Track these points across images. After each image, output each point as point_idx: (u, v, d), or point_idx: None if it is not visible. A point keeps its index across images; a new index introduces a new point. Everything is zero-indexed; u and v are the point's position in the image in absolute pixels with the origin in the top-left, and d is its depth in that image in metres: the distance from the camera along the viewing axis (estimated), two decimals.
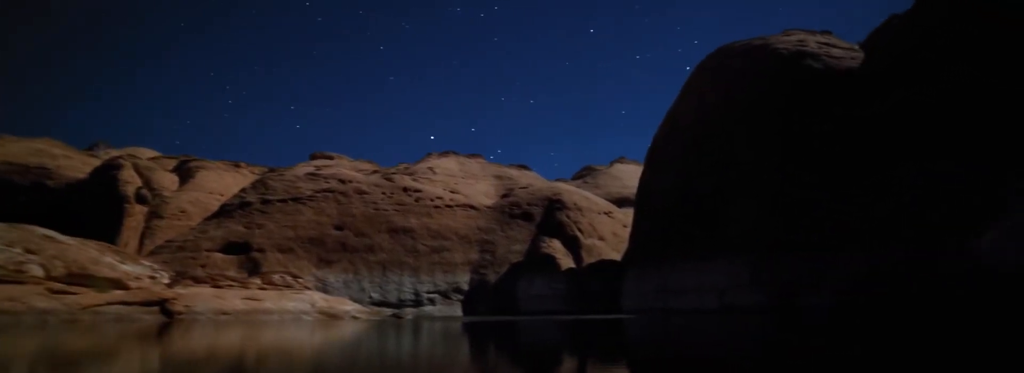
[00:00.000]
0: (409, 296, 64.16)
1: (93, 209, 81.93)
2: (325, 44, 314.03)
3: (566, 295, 65.32)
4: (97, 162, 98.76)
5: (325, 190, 66.64)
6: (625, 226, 78.76)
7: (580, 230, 70.95)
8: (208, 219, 65.40)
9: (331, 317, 45.68)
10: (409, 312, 63.95)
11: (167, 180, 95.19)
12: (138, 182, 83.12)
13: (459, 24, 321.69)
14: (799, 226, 41.22)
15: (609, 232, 74.64)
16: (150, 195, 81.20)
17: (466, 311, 65.94)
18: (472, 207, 72.14)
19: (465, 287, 66.89)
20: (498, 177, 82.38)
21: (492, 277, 67.49)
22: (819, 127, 42.50)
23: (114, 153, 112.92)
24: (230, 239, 60.84)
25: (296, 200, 65.04)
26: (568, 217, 71.77)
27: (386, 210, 67.41)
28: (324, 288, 60.96)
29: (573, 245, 69.24)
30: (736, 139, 50.66)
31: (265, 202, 64.36)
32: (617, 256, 71.91)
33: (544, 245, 68.06)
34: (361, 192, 68.02)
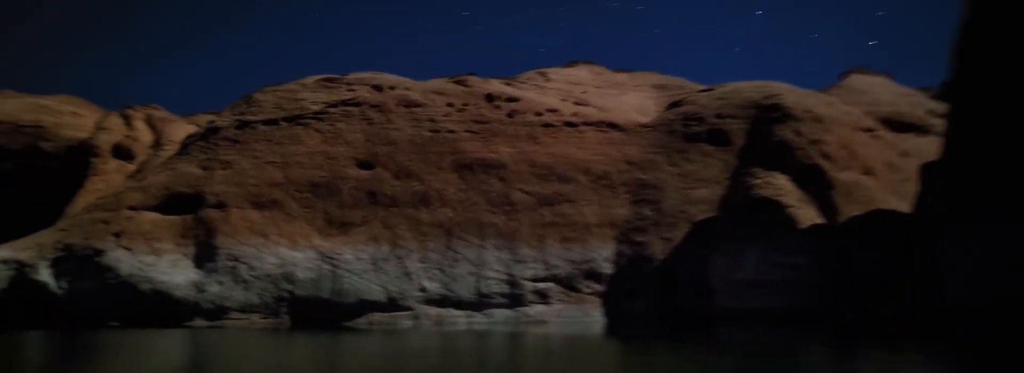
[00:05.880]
0: (498, 287, 37.36)
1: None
2: None
3: (812, 279, 35.62)
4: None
5: (345, 103, 41.36)
6: (907, 155, 46.67)
7: (825, 156, 40.47)
8: (166, 162, 42.39)
9: None
10: (499, 317, 37.18)
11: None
12: (124, 134, 63.56)
13: None
14: None
15: (880, 162, 43.57)
16: (141, 149, 61.13)
17: (611, 315, 38.06)
18: (614, 125, 43.92)
19: (606, 269, 38.98)
20: (660, 87, 53.50)
21: (658, 249, 39.04)
22: None
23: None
24: (174, 189, 37.20)
25: (293, 120, 40.44)
26: (798, 133, 41.53)
27: (453, 132, 40.99)
28: (333, 271, 35.47)
29: (815, 183, 39.34)
30: None
31: (243, 126, 40.37)
32: (902, 204, 40.52)
33: (757, 183, 38.60)
34: (409, 103, 42.17)
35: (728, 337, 27.70)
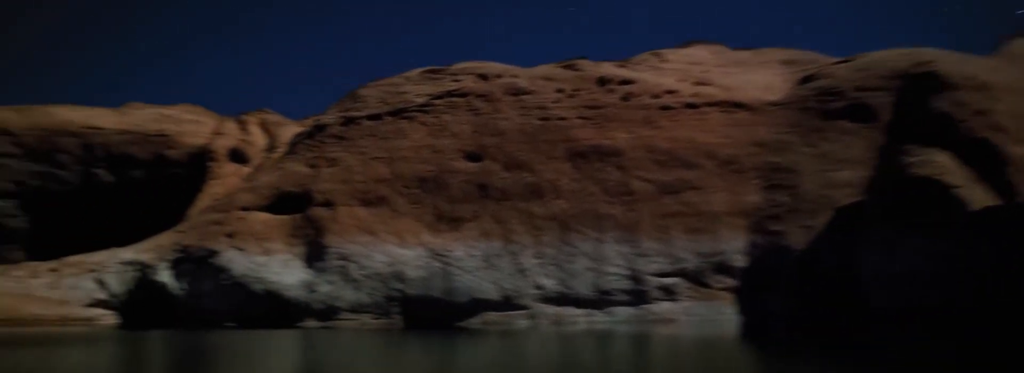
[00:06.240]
0: (619, 283, 34.86)
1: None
2: None
3: (986, 270, 31.04)
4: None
5: (450, 94, 40.01)
6: None
7: (995, 128, 35.49)
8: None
9: None
10: (622, 315, 34.63)
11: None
12: (239, 138, 65.33)
13: None
14: None
15: None
16: (255, 152, 62.56)
17: (746, 312, 34.67)
18: (739, 105, 40.47)
19: (738, 262, 35.74)
20: (788, 63, 49.21)
21: (796, 239, 35.45)
22: None
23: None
24: (283, 188, 37.02)
25: (398, 114, 39.53)
26: (960, 103, 36.60)
27: (564, 119, 38.89)
28: (444, 269, 34.05)
29: (984, 159, 34.62)
30: None
31: (348, 123, 39.85)
32: None
33: (913, 162, 34.25)
34: (516, 92, 40.38)
35: (896, 343, 23.97)
